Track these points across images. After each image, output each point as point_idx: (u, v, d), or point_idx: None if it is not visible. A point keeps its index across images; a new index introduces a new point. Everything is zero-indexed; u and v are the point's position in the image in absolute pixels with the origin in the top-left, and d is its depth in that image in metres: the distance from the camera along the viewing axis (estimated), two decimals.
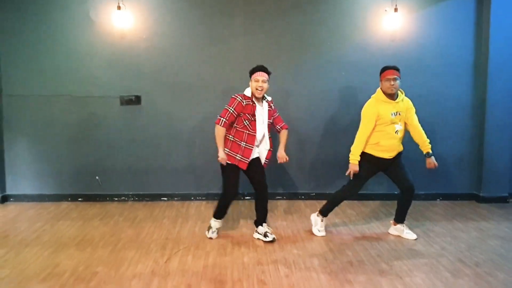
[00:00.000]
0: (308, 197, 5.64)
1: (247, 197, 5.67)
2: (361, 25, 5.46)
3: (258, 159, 4.25)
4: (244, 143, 4.09)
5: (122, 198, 5.62)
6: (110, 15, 5.32)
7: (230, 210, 5.11)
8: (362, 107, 4.23)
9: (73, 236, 4.35)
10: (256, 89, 4.05)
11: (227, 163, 4.09)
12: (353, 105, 5.47)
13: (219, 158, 4.05)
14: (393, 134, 4.15)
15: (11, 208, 5.33)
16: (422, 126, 5.43)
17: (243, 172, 4.20)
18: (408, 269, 3.58)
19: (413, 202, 5.42)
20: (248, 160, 4.11)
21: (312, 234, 4.40)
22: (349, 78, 5.49)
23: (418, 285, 3.30)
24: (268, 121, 4.20)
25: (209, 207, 5.30)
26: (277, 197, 5.67)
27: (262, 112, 4.15)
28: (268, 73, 4.13)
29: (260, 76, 4.06)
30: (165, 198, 5.61)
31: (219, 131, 4.04)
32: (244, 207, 5.36)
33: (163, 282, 3.35)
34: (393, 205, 5.35)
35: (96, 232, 4.46)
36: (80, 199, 5.58)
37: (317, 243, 4.17)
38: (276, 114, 4.32)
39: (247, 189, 5.61)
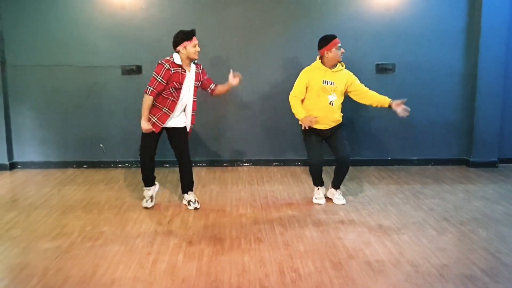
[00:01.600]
0: (304, 163, 5.83)
1: (246, 164, 5.87)
2: None
3: (183, 129, 4.25)
4: (166, 109, 4.06)
5: (126, 164, 5.82)
6: None
7: (229, 176, 5.36)
8: (357, 75, 4.35)
9: (80, 200, 4.57)
10: (195, 53, 3.98)
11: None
12: None
13: (142, 128, 4.04)
14: (326, 104, 4.16)
15: (19, 174, 5.55)
16: (414, 93, 5.64)
17: (168, 139, 4.30)
18: (396, 228, 3.81)
19: (405, 167, 5.73)
20: (162, 125, 4.08)
21: (307, 196, 4.62)
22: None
23: (404, 242, 3.53)
24: (195, 84, 4.14)
25: (209, 172, 5.51)
26: (274, 164, 5.87)
27: (189, 77, 4.09)
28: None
29: (196, 40, 4.00)
30: (167, 165, 5.81)
31: (147, 100, 3.98)
32: (243, 172, 5.57)
33: (166, 239, 3.59)
34: (386, 170, 5.60)
35: (101, 196, 4.68)
36: (85, 165, 5.80)
37: (311, 205, 4.39)
38: (206, 77, 4.26)
39: (244, 155, 5.84)
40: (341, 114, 4.33)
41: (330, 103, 4.17)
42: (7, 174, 5.56)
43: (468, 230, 3.77)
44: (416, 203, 4.44)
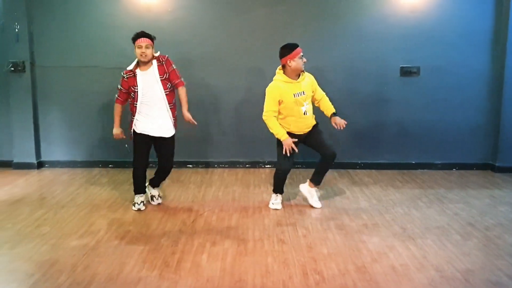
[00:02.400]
0: None
1: (267, 165, 5.89)
2: None
3: (170, 138, 4.32)
4: (132, 116, 4.23)
5: (150, 165, 5.87)
6: None
7: (251, 178, 5.39)
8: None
9: (106, 199, 4.66)
10: (140, 55, 4.03)
11: (133, 137, 4.27)
12: (372, 76, 5.59)
13: (114, 134, 4.38)
14: (301, 115, 4.13)
15: (46, 173, 5.68)
16: (439, 95, 5.60)
17: (154, 148, 4.39)
18: (420, 232, 3.79)
19: (429, 171, 5.67)
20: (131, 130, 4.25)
21: (329, 199, 4.62)
22: (368, 49, 5.57)
23: (429, 246, 3.51)
24: (161, 77, 4.09)
25: (231, 174, 5.56)
26: (297, 166, 5.87)
27: (150, 77, 4.09)
28: (151, 38, 4.09)
29: (142, 41, 4.01)
30: (190, 165, 5.88)
31: (115, 108, 4.34)
32: (264, 174, 5.60)
33: (190, 239, 3.64)
34: (409, 174, 5.56)
35: (126, 196, 4.76)
36: (110, 165, 5.90)
37: (334, 208, 4.39)
38: (171, 68, 4.17)
39: (265, 157, 5.86)
40: (314, 116, 4.31)
41: (304, 113, 4.14)
42: (35, 172, 5.70)
43: (493, 235, 3.72)
44: (440, 207, 4.39)
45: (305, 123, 4.21)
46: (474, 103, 5.68)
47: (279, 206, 4.39)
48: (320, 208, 4.38)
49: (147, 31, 5.54)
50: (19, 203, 4.54)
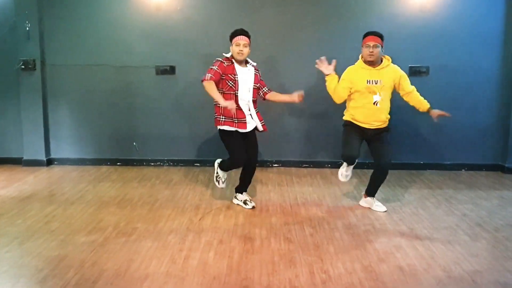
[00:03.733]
0: (335, 165, 5.80)
1: (275, 165, 5.90)
2: None
3: (253, 132, 4.25)
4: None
5: (158, 163, 5.94)
6: None
7: (259, 176, 5.40)
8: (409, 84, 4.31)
9: (114, 196, 4.69)
10: (238, 53, 4.03)
11: (222, 131, 4.15)
12: None
13: (225, 105, 3.87)
14: (370, 104, 4.04)
15: (55, 170, 5.73)
16: (448, 96, 5.56)
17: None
18: (428, 232, 3.77)
19: (438, 172, 5.64)
20: (225, 119, 4.09)
21: (337, 199, 4.62)
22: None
23: (436, 247, 3.49)
24: (255, 86, 4.16)
25: (238, 172, 5.53)
26: (303, 165, 5.87)
27: (247, 75, 4.12)
28: (249, 36, 4.10)
29: (241, 40, 4.04)
30: (198, 164, 5.90)
31: (209, 85, 3.93)
32: (272, 173, 5.61)
33: (197, 237, 3.65)
34: (417, 174, 5.54)
35: (135, 193, 4.79)
36: (118, 163, 5.94)
37: (341, 207, 4.38)
38: (260, 78, 4.26)
39: (275, 157, 5.86)
40: (388, 116, 4.18)
41: (374, 103, 4.05)
42: (44, 169, 5.75)
43: (502, 236, 3.69)
44: (449, 208, 4.37)
45: (374, 115, 4.06)
46: (484, 103, 5.65)
47: (346, 177, 4.36)
48: (339, 206, 4.39)
49: (156, 30, 5.63)
50: (29, 199, 4.58)
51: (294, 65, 5.63)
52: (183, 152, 5.91)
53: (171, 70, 5.69)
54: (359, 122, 4.13)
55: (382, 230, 3.83)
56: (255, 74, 4.20)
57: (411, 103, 4.26)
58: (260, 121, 4.24)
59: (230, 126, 4.11)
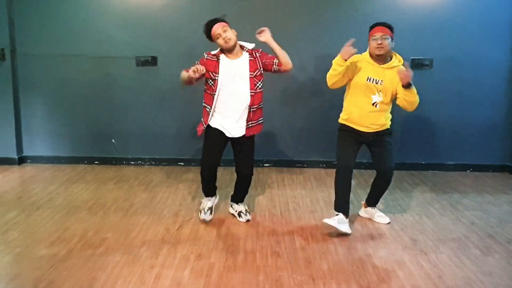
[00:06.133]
0: (329, 165, 5.39)
1: (266, 164, 5.48)
2: None
3: (246, 142, 3.62)
4: (208, 106, 3.54)
5: (139, 162, 5.51)
6: None
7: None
8: None
9: (86, 200, 4.26)
10: (225, 42, 3.43)
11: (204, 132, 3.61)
12: None
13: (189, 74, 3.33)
14: (368, 104, 3.49)
15: (27, 169, 5.29)
16: (453, 91, 5.20)
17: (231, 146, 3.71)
18: (433, 245, 3.35)
19: (441, 173, 5.23)
20: (205, 125, 3.56)
21: (332, 204, 4.19)
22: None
23: (444, 263, 3.08)
24: (251, 74, 3.48)
25: (226, 173, 5.10)
26: (297, 165, 5.45)
27: (238, 67, 3.48)
28: (224, 20, 3.50)
29: (218, 26, 3.43)
30: (182, 163, 5.47)
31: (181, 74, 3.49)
32: (262, 174, 5.18)
33: (173, 250, 3.22)
34: (419, 175, 5.13)
35: (109, 196, 4.36)
36: (96, 162, 5.50)
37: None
38: (266, 55, 3.56)
39: (265, 155, 5.44)
40: (388, 120, 3.62)
41: (373, 104, 3.50)
42: (15, 168, 5.31)
43: None
44: (455, 215, 3.96)
45: (371, 118, 3.50)
46: (491, 99, 5.23)
47: (347, 230, 3.52)
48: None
49: (136, 17, 5.18)
50: None
51: (288, 51, 5.17)
52: (166, 150, 5.47)
53: (153, 61, 5.26)
54: (354, 124, 3.57)
55: (382, 242, 3.41)
56: (249, 60, 3.51)
57: (398, 102, 3.54)
58: (252, 121, 3.56)
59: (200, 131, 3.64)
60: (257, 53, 3.54)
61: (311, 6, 5.15)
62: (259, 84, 3.51)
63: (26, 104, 5.43)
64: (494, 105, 5.24)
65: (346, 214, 3.54)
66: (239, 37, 3.55)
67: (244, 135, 3.56)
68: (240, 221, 3.78)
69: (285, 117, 5.37)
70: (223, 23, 3.46)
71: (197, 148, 5.40)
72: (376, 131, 3.56)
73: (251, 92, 3.47)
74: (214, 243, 3.35)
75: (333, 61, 3.46)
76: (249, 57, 3.52)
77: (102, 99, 5.38)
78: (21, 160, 5.50)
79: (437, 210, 4.08)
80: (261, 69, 3.51)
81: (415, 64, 5.12)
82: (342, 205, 3.56)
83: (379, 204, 3.92)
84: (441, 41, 5.13)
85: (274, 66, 3.50)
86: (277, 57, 3.48)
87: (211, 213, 3.74)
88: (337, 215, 3.53)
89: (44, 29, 5.26)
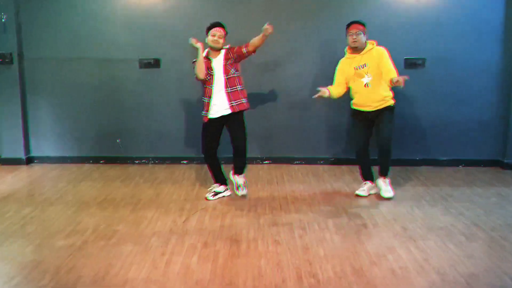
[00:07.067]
0: (327, 162, 5.64)
1: (266, 161, 5.73)
2: None
3: (234, 115, 4.27)
4: (206, 98, 4.27)
5: (143, 160, 5.75)
6: None
7: (248, 174, 5.20)
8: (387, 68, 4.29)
9: (95, 196, 4.50)
10: (213, 42, 4.19)
11: (203, 123, 4.33)
12: None
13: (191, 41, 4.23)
14: (362, 88, 4.27)
15: (35, 169, 5.53)
16: (445, 89, 5.45)
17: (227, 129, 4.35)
18: (422, 233, 3.61)
19: (435, 168, 5.50)
20: (206, 114, 4.27)
21: (329, 197, 4.46)
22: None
23: (430, 248, 3.33)
24: (227, 63, 4.22)
25: (227, 171, 5.34)
26: (295, 162, 5.70)
27: (218, 61, 4.25)
28: (226, 29, 4.26)
29: (217, 30, 4.20)
30: (185, 161, 5.72)
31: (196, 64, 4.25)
32: (263, 170, 5.43)
33: (181, 240, 3.47)
34: (413, 170, 5.39)
35: (117, 193, 4.60)
36: (101, 161, 5.75)
37: (333, 206, 4.21)
38: (235, 49, 4.25)
39: (265, 153, 5.69)
40: (387, 94, 4.29)
41: (365, 86, 4.25)
42: (24, 168, 5.55)
43: (499, 236, 3.53)
44: (445, 206, 4.21)
45: (368, 97, 4.27)
46: (483, 97, 5.49)
47: (364, 193, 4.50)
48: (330, 205, 4.26)
49: (139, 21, 5.44)
50: (6, 200, 4.40)
51: (283, 59, 5.46)
52: (169, 149, 5.73)
53: (156, 63, 5.51)
54: (359, 106, 4.37)
55: (374, 230, 3.67)
56: (224, 54, 4.25)
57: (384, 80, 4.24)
58: (236, 100, 4.24)
59: (204, 119, 4.32)
60: (229, 47, 4.29)
61: (307, 10, 5.40)
62: (232, 71, 4.25)
63: (33, 106, 5.68)
64: (485, 103, 5.49)
65: (371, 180, 4.52)
66: (237, 38, 4.35)
67: (231, 113, 4.24)
68: (242, 213, 4.02)
69: (284, 115, 5.63)
70: (222, 30, 4.25)
71: (199, 147, 5.65)
72: (377, 109, 4.29)
73: (225, 76, 4.21)
74: (218, 233, 3.60)
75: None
76: (224, 52, 4.28)
77: (107, 101, 5.64)
78: (29, 160, 5.75)
79: (428, 202, 4.34)
80: (234, 58, 4.25)
81: (409, 64, 5.40)
82: (367, 175, 4.53)
83: (373, 197, 4.20)
84: (433, 41, 5.38)
85: (243, 49, 4.22)
86: (254, 42, 4.18)
87: (214, 195, 4.42)
88: (365, 183, 4.51)
89: (50, 34, 5.53)
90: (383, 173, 4.43)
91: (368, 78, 4.24)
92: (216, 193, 4.43)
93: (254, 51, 4.25)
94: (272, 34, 4.11)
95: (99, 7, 5.45)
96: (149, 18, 5.46)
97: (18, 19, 5.47)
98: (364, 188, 4.49)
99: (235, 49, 4.25)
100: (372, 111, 4.30)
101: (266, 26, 4.09)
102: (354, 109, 4.44)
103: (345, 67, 4.36)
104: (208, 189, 4.51)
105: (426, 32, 5.38)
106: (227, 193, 4.49)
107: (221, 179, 4.48)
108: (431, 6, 5.32)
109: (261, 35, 4.12)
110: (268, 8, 5.42)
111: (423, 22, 5.36)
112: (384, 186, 4.41)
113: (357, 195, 4.46)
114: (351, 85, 4.37)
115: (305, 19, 5.43)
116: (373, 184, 4.51)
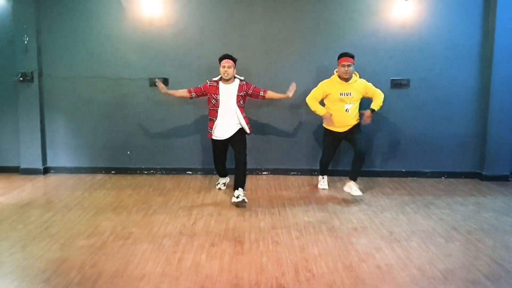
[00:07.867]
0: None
1: (264, 172, 6.14)
2: (375, 11, 5.79)
3: (237, 134, 4.98)
4: (214, 118, 4.98)
5: (151, 171, 6.15)
6: (139, 3, 5.82)
7: (249, 184, 5.64)
8: (374, 89, 5.05)
9: (110, 203, 4.90)
10: (223, 73, 4.91)
11: (211, 139, 5.12)
12: None
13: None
14: (343, 111, 5.03)
15: (52, 178, 5.92)
16: (428, 106, 5.89)
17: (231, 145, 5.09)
18: (406, 235, 4.03)
19: (419, 179, 5.94)
20: (210, 131, 5.01)
21: (322, 204, 4.87)
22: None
23: (413, 248, 3.76)
24: (238, 93, 4.95)
25: (230, 180, 5.79)
26: (291, 173, 6.12)
27: (230, 90, 4.96)
28: (234, 60, 4.97)
29: (226, 62, 4.91)
30: (189, 172, 6.13)
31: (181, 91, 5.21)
32: (262, 180, 5.85)
33: (190, 240, 3.88)
34: (399, 181, 5.81)
35: (129, 200, 5.01)
36: (113, 171, 6.14)
37: (326, 212, 4.63)
38: (252, 87, 5.06)
39: (263, 164, 6.11)
40: (357, 117, 5.12)
41: (346, 110, 5.02)
42: (41, 178, 5.94)
43: (475, 239, 3.97)
44: (427, 213, 4.65)
45: (345, 120, 5.06)
46: (462, 114, 5.94)
47: (326, 186, 5.50)
48: (324, 211, 4.67)
49: (149, 44, 5.88)
50: (28, 206, 4.78)
51: (280, 77, 5.87)
52: (175, 161, 6.13)
53: (164, 82, 5.90)
54: (334, 127, 5.13)
55: (363, 233, 4.09)
56: (239, 85, 5.00)
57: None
58: (242, 123, 5.00)
59: (208, 135, 5.12)
60: (245, 82, 5.07)
61: (303, 34, 5.87)
62: (242, 102, 5.04)
63: (50, 120, 6.09)
64: (464, 119, 5.95)
65: (326, 174, 5.60)
66: (238, 61, 5.07)
67: (235, 133, 4.99)
68: (244, 218, 4.44)
69: (280, 130, 6.07)
70: (231, 62, 4.97)
71: (203, 159, 6.09)
72: (349, 128, 5.09)
73: (237, 104, 4.96)
74: (224, 235, 4.02)
75: (315, 109, 5.14)
76: (240, 83, 5.03)
77: (119, 116, 6.05)
78: (46, 170, 6.14)
79: (412, 209, 4.77)
80: (246, 93, 5.05)
81: (394, 84, 5.87)
82: (324, 172, 5.55)
83: (362, 204, 4.61)
84: (416, 64, 5.85)
85: (260, 93, 5.12)
86: (272, 95, 5.17)
87: (224, 185, 5.47)
88: (323, 178, 5.55)
89: (67, 55, 5.95)
90: (354, 178, 5.14)
91: (349, 105, 5.02)
92: (224, 184, 5.48)
93: (265, 99, 5.17)
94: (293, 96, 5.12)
95: (113, 30, 5.88)
96: (158, 41, 5.91)
97: (39, 40, 5.91)
98: (325, 182, 5.53)
99: (252, 88, 5.06)
100: (345, 131, 5.11)
101: (290, 88, 5.02)
102: (327, 129, 5.22)
103: (330, 89, 5.05)
104: (216, 183, 5.56)
105: (411, 55, 5.86)
106: (227, 179, 5.54)
107: (224, 174, 5.50)
108: (415, 32, 5.80)
109: (282, 94, 5.11)
110: (266, 31, 5.87)
111: (407, 47, 5.84)
112: (355, 187, 5.06)
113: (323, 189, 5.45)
114: (330, 105, 5.11)
115: (297, 44, 5.89)
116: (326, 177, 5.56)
